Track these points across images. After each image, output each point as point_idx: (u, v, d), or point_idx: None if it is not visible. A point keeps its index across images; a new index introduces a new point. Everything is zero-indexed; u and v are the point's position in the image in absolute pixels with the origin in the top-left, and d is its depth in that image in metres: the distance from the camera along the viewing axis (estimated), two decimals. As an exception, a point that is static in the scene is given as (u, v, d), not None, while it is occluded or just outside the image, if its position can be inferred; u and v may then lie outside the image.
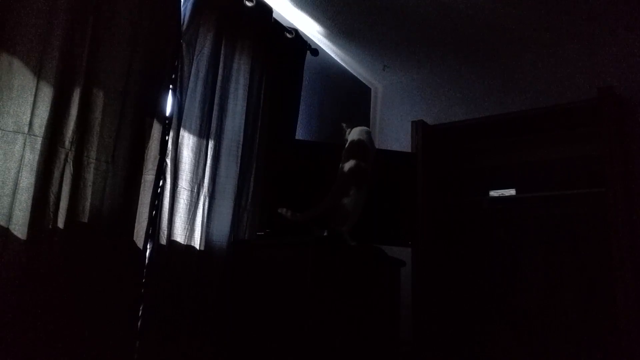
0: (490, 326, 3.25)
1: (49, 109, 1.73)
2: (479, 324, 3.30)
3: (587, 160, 3.13)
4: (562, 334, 3.01)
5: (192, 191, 2.25)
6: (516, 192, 3.46)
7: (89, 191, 1.85)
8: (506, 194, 3.49)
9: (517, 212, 3.43)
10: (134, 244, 1.99)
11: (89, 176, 1.86)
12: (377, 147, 3.68)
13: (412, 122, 3.58)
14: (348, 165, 2.42)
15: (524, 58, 3.46)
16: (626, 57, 3.07)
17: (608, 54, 3.14)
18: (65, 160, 1.78)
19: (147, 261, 2.03)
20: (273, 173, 2.66)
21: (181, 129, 2.23)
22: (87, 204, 1.84)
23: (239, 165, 2.47)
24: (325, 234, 2.47)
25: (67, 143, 1.79)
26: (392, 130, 3.87)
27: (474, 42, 3.37)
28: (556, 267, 3.16)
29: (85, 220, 1.84)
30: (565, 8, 2.92)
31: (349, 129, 2.65)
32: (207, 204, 2.31)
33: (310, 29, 3.28)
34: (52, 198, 1.72)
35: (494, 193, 3.54)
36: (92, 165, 1.88)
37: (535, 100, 3.30)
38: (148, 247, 2.04)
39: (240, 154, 2.48)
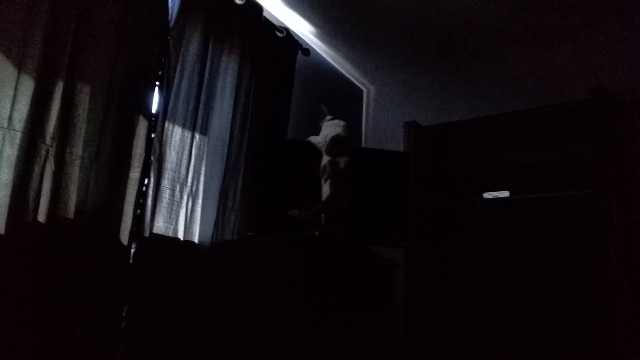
0: (484, 328, 3.21)
1: (29, 103, 1.70)
2: (472, 325, 3.26)
3: (581, 161, 3.10)
4: (557, 335, 2.96)
5: (174, 190, 2.21)
6: (510, 194, 3.42)
7: (72, 188, 1.82)
8: (500, 196, 3.45)
9: (511, 214, 3.38)
10: (119, 242, 1.95)
11: (72, 173, 1.83)
12: (369, 147, 3.71)
13: (405, 123, 3.55)
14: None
15: (517, 58, 3.44)
16: (619, 57, 3.05)
17: (601, 53, 3.12)
18: (47, 156, 1.74)
19: (131, 260, 1.98)
20: (263, 172, 2.62)
21: (166, 126, 2.19)
22: (70, 200, 1.81)
23: (224, 164, 2.43)
24: (317, 233, 2.44)
25: (48, 139, 1.75)
26: (385, 131, 3.84)
27: (466, 43, 3.35)
28: (550, 268, 3.12)
29: (70, 216, 1.79)
30: (558, 7, 2.91)
31: (329, 116, 2.64)
32: (190, 203, 2.26)
33: (302, 28, 3.26)
34: (31, 194, 1.68)
35: (487, 195, 3.50)
36: (76, 162, 1.84)
37: (528, 100, 3.28)
38: (133, 246, 1.99)
39: (226, 153, 2.45)
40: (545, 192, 3.26)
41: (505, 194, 3.45)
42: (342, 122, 2.62)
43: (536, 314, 3.08)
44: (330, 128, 2.57)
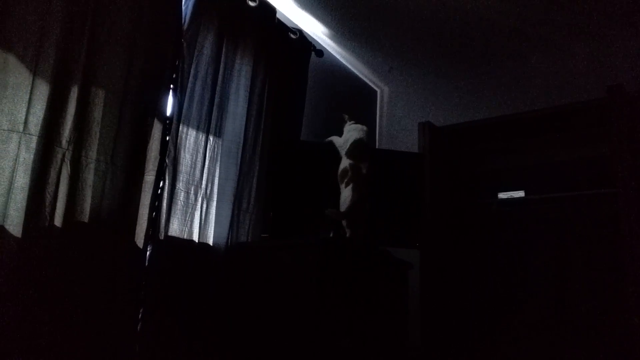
0: (499, 329, 3.18)
1: (45, 107, 1.71)
2: (488, 327, 3.23)
3: (597, 160, 3.06)
4: (573, 336, 2.93)
5: (189, 193, 2.21)
6: (525, 194, 3.39)
7: (88, 191, 1.82)
8: (515, 196, 3.42)
9: (527, 214, 3.35)
10: (134, 244, 1.95)
11: (88, 176, 1.83)
12: (383, 148, 3.69)
13: (419, 123, 3.53)
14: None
15: (532, 57, 3.40)
16: (636, 55, 3.00)
17: (618, 51, 3.08)
18: (62, 159, 1.75)
19: (147, 263, 1.99)
20: (278, 174, 2.61)
21: (180, 129, 2.19)
22: (86, 204, 1.82)
23: (238, 167, 2.43)
24: (331, 235, 2.43)
25: (64, 142, 1.76)
26: (399, 132, 3.82)
27: (481, 42, 3.32)
28: (566, 269, 3.09)
29: (85, 220, 1.80)
30: (573, 6, 2.87)
31: (351, 122, 2.63)
32: (205, 205, 2.27)
33: (315, 30, 3.25)
34: (48, 198, 1.69)
35: (502, 195, 3.47)
36: (91, 166, 1.85)
37: (543, 100, 3.24)
38: (148, 249, 2.00)
39: (240, 155, 2.45)
40: (560, 191, 3.23)
41: (520, 194, 3.42)
42: (364, 127, 2.60)
43: (553, 314, 3.05)
44: (353, 132, 2.55)
